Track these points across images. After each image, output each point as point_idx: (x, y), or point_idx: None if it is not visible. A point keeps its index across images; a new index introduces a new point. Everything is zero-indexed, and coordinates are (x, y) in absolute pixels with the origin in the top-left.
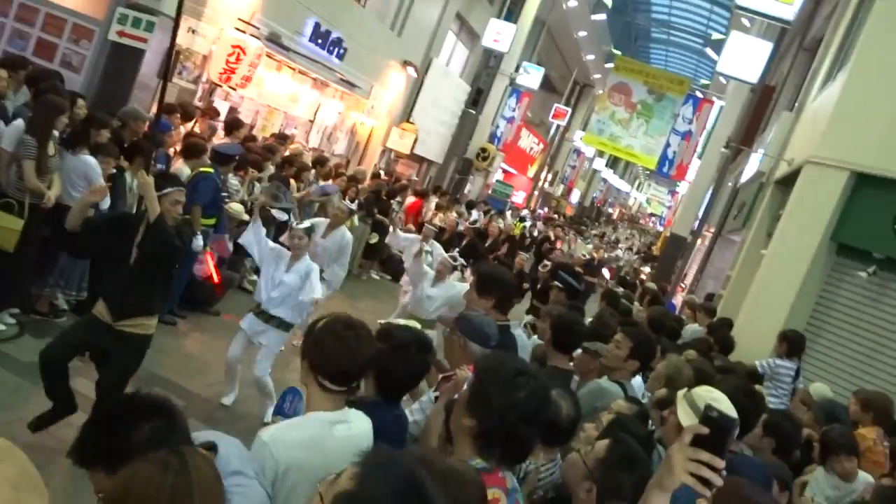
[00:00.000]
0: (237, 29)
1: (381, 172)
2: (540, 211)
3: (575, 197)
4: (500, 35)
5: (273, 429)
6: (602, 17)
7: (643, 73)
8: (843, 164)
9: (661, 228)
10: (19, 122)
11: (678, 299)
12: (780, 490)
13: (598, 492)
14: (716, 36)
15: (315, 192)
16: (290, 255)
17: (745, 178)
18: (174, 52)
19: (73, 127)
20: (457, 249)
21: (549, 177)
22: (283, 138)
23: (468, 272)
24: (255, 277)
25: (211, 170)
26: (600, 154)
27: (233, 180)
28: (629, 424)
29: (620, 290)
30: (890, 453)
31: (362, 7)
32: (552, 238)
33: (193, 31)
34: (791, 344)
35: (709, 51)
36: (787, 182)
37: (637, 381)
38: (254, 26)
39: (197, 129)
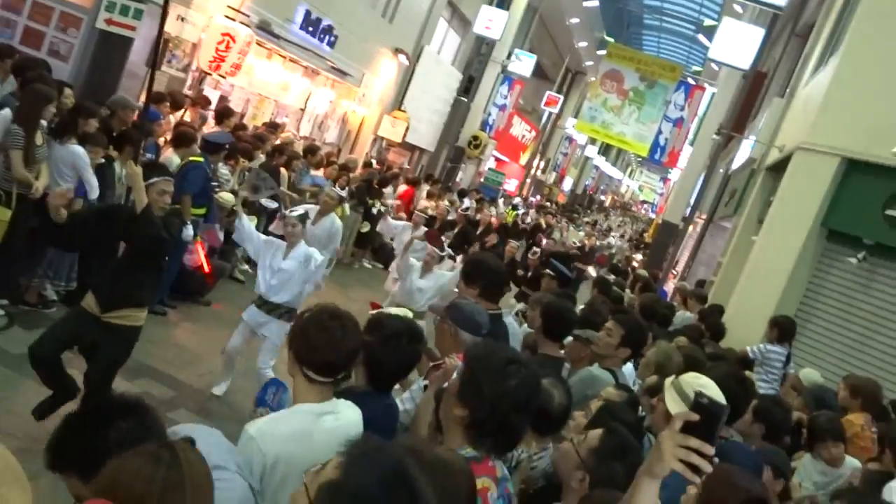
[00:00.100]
0: (226, 17)
1: (373, 161)
2: (532, 199)
3: (567, 184)
4: (491, 22)
5: (260, 422)
6: (594, 3)
7: (635, 60)
8: (834, 151)
9: (653, 215)
10: (6, 112)
11: (669, 286)
12: (773, 477)
13: (590, 481)
14: (708, 22)
15: (306, 184)
16: (285, 244)
17: (736, 164)
18: (163, 40)
19: (60, 116)
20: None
21: (542, 164)
22: (273, 127)
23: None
24: (246, 267)
25: (201, 159)
26: (592, 141)
27: (223, 169)
28: (618, 411)
29: (612, 277)
30: (878, 439)
31: None
32: (544, 226)
33: (182, 19)
34: (782, 329)
35: (701, 37)
36: (779, 168)
37: (628, 368)
38: (243, 14)
39: (187, 119)
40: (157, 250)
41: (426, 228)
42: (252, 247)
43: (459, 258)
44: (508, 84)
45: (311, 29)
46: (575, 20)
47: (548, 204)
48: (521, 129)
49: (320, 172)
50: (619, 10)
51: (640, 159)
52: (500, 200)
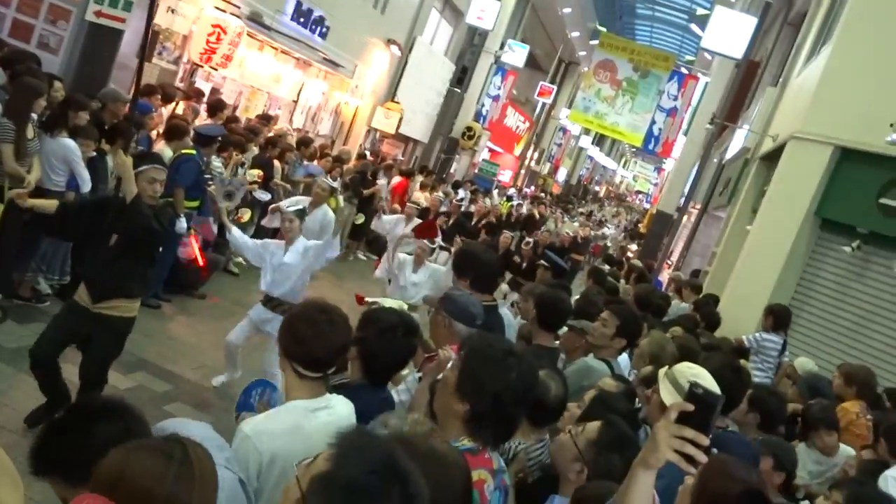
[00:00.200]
0: (217, 8)
1: (367, 152)
2: (527, 189)
3: (561, 175)
4: (484, 12)
5: (254, 421)
6: None
7: (628, 50)
8: (828, 140)
9: (647, 206)
10: None
11: (664, 276)
12: (774, 468)
13: (588, 473)
14: (700, 11)
15: (300, 174)
16: (282, 243)
17: (730, 154)
18: (151, 31)
19: (51, 110)
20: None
21: (536, 155)
22: (266, 119)
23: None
24: (240, 259)
25: (193, 151)
26: (586, 132)
27: (216, 162)
28: (611, 400)
29: (606, 267)
30: (872, 426)
31: None
32: (537, 216)
33: (173, 11)
34: (777, 318)
35: (693, 26)
36: (772, 158)
37: (623, 358)
38: (234, 5)
39: (179, 112)
40: (148, 241)
41: (419, 220)
42: (249, 254)
43: (454, 250)
44: (502, 74)
45: (302, 20)
46: (567, 10)
47: (542, 195)
48: (514, 119)
49: (314, 164)
50: (611, 0)
51: (634, 149)
52: (495, 191)
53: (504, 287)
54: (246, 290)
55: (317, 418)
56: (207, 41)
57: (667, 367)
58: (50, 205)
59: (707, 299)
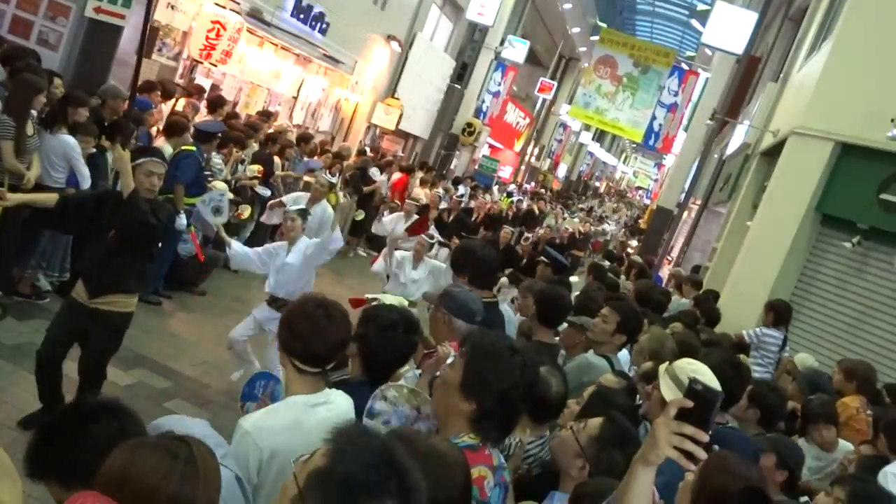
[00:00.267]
0: (216, 4)
1: (367, 149)
2: (527, 185)
3: (562, 171)
4: (484, 8)
5: (254, 417)
6: None
7: (629, 46)
8: (828, 135)
9: (647, 202)
10: None
11: (665, 272)
12: (777, 466)
13: (589, 469)
14: (701, 7)
15: (300, 170)
16: (284, 243)
17: (730, 149)
18: (150, 27)
19: (50, 106)
20: (432, 226)
21: (536, 151)
22: (266, 115)
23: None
24: None
25: (193, 148)
26: (587, 128)
27: (216, 159)
28: (610, 396)
29: (606, 263)
30: (872, 422)
31: None
32: (536, 212)
33: (173, 7)
34: (777, 313)
35: (694, 22)
36: (773, 153)
37: (623, 354)
38: (234, 1)
39: (179, 109)
40: (145, 236)
41: (417, 216)
42: (254, 265)
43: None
44: (502, 71)
45: (302, 16)
46: (568, 5)
47: (542, 191)
48: (515, 115)
49: (315, 159)
50: None
51: (634, 145)
52: (495, 188)
53: (503, 280)
54: (246, 287)
55: (316, 413)
56: (207, 37)
57: (667, 362)
58: (49, 199)
59: (707, 295)
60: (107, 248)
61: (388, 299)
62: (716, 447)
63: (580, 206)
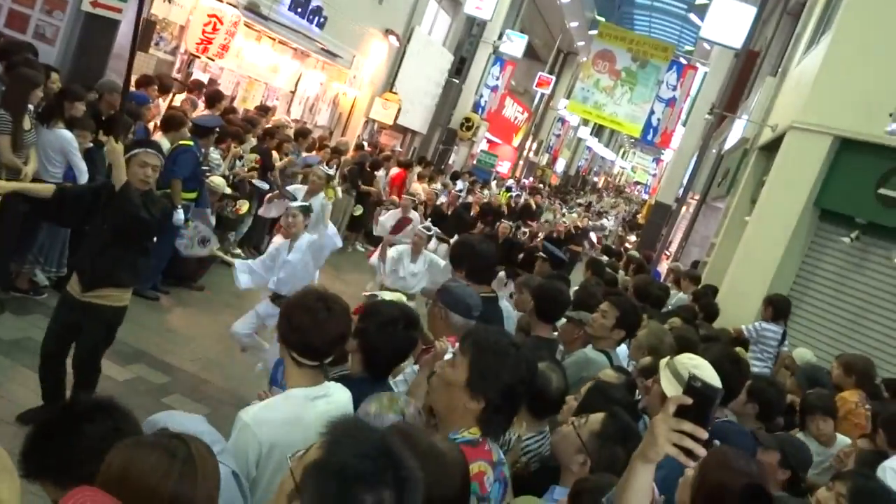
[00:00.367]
0: None
1: (365, 143)
2: (525, 180)
3: (560, 166)
4: (482, 2)
5: (254, 409)
6: None
7: (627, 40)
8: (827, 129)
9: (646, 196)
10: None
11: (663, 267)
12: (780, 465)
13: (591, 465)
14: (699, 1)
15: (298, 164)
16: (286, 242)
17: (729, 144)
18: (147, 21)
19: (47, 101)
20: (429, 219)
21: (534, 146)
22: (264, 110)
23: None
24: (238, 251)
25: (191, 143)
26: (585, 122)
27: (214, 154)
28: (608, 390)
29: (605, 258)
30: (871, 416)
31: None
32: (533, 206)
33: (169, 1)
34: (776, 308)
35: (692, 16)
36: (771, 148)
37: (622, 349)
38: None
39: (178, 104)
40: (138, 230)
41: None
42: (264, 280)
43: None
44: (500, 65)
45: (299, 10)
46: (566, 0)
47: (540, 186)
48: (513, 110)
49: (312, 154)
50: None
51: (632, 140)
52: (493, 182)
53: (501, 275)
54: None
55: (315, 407)
56: (203, 31)
57: (668, 357)
58: (45, 189)
59: (706, 290)
60: (100, 241)
61: (387, 295)
62: (716, 442)
63: (578, 201)
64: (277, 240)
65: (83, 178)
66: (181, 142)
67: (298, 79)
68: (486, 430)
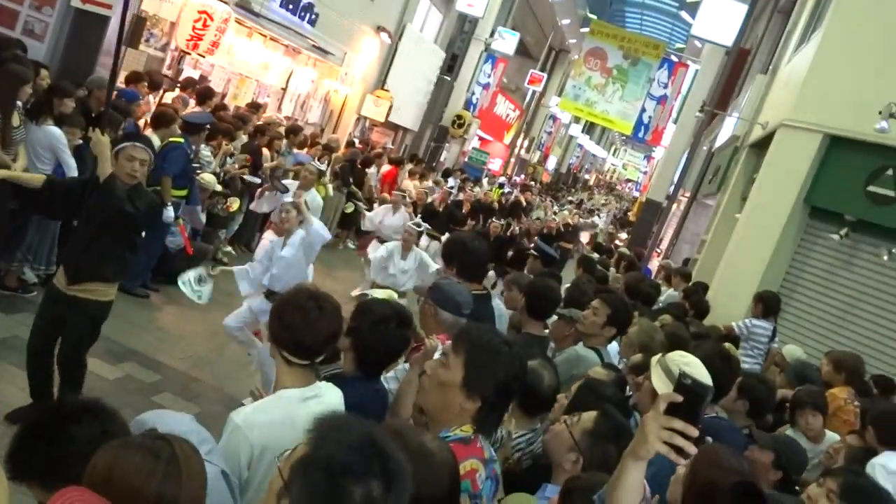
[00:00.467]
0: None
1: (356, 141)
2: (516, 178)
3: (551, 163)
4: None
5: (245, 411)
6: None
7: (619, 38)
8: (817, 127)
9: (637, 194)
10: None
11: (654, 264)
12: (773, 465)
13: (583, 463)
14: None
15: (290, 162)
16: (280, 240)
17: (720, 142)
18: (134, 17)
19: (36, 97)
20: (419, 216)
21: (526, 143)
22: (256, 107)
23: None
24: (229, 248)
25: (181, 140)
26: (576, 120)
27: (205, 151)
28: (599, 387)
29: (595, 255)
30: (860, 413)
31: None
32: (524, 203)
33: None
34: (766, 304)
35: (684, 14)
36: (762, 145)
37: (613, 346)
38: None
39: (169, 102)
40: (123, 223)
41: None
42: (268, 274)
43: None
44: (492, 62)
45: (291, 7)
46: None
47: (532, 183)
48: (504, 107)
49: (303, 152)
50: None
51: (624, 137)
52: (485, 180)
53: (490, 274)
54: (234, 280)
55: (307, 408)
56: (194, 28)
57: (660, 355)
58: (36, 179)
59: (696, 287)
60: (86, 234)
61: (378, 293)
62: (709, 439)
63: (569, 198)
64: (268, 236)
65: (72, 174)
66: (171, 139)
67: (290, 76)
68: (480, 427)
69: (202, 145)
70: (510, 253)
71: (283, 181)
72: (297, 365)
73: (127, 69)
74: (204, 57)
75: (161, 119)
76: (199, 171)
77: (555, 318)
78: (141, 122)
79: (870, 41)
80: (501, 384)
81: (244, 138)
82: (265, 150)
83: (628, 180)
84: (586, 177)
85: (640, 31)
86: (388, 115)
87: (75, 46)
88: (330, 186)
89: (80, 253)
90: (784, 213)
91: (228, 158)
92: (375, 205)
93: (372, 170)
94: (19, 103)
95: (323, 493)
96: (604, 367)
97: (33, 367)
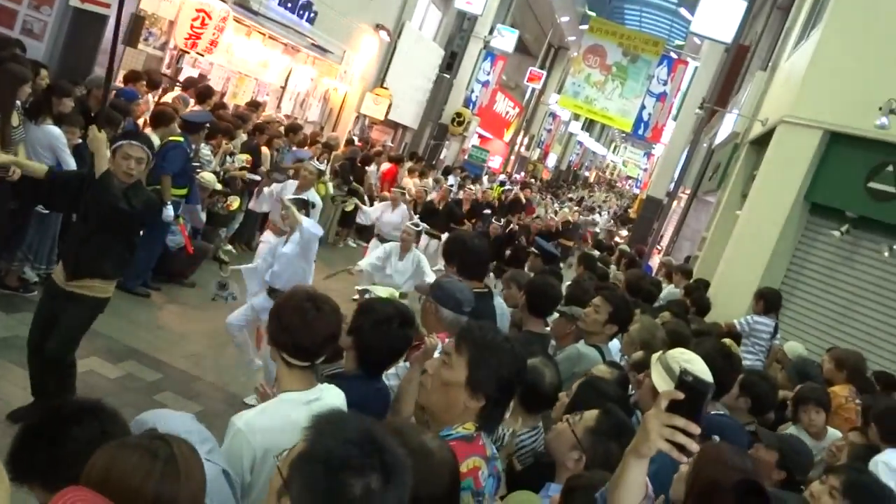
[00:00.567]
0: None
1: (356, 139)
2: (516, 175)
3: (551, 161)
4: None
5: (247, 415)
6: None
7: (618, 35)
8: (817, 124)
9: (637, 191)
10: None
11: (654, 262)
12: (776, 464)
13: (586, 461)
14: None
15: (289, 160)
16: (283, 238)
17: (720, 139)
18: (133, 15)
19: (35, 97)
20: (417, 216)
21: (526, 141)
22: (255, 106)
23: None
24: (229, 247)
25: (181, 139)
26: (576, 117)
27: (205, 150)
28: (600, 385)
29: (596, 253)
30: (862, 410)
31: None
32: (523, 200)
33: None
34: (767, 301)
35: (683, 10)
36: (762, 142)
37: (614, 344)
38: None
39: (169, 101)
40: (118, 220)
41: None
42: (269, 271)
43: (444, 236)
44: (491, 60)
45: (289, 5)
46: None
47: (532, 181)
48: (504, 105)
49: (305, 150)
50: None
51: (623, 135)
52: (485, 177)
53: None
54: (235, 278)
55: (309, 411)
56: (192, 26)
57: (659, 352)
58: (40, 168)
59: (697, 284)
60: (85, 231)
61: (379, 290)
62: (716, 438)
63: (570, 196)
64: (267, 236)
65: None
66: (171, 138)
67: (289, 74)
68: (483, 425)
69: (202, 144)
70: (507, 252)
71: (283, 182)
72: (298, 367)
73: (126, 68)
74: (203, 55)
75: (160, 118)
76: (199, 170)
77: (556, 315)
78: (140, 121)
79: (869, 37)
80: (505, 381)
81: (244, 137)
82: (264, 149)
83: (628, 177)
84: (586, 174)
85: (640, 28)
86: (387, 112)
87: (74, 46)
88: (330, 185)
89: (79, 249)
90: (784, 209)
91: (228, 157)
92: (376, 202)
93: (372, 168)
94: (18, 103)
95: (322, 487)
96: (607, 365)
97: (34, 364)
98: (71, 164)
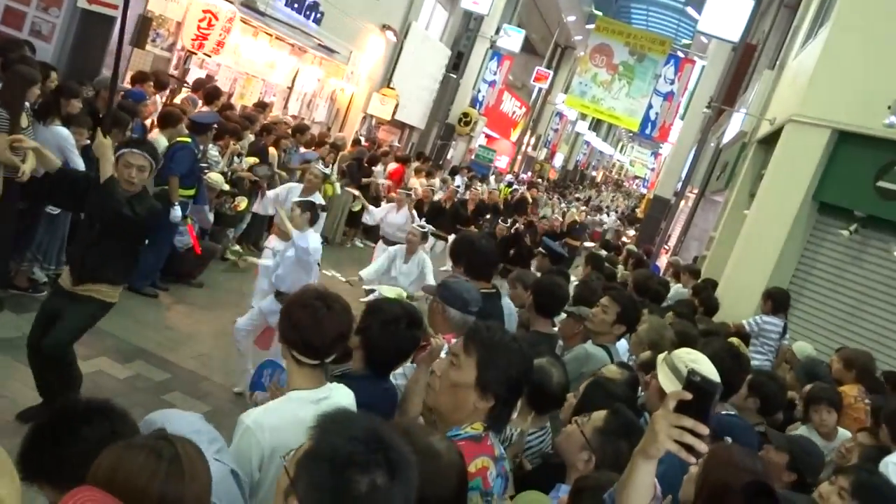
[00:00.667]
0: None
1: (362, 139)
2: (523, 175)
3: (558, 161)
4: None
5: (255, 413)
6: None
7: (624, 34)
8: (825, 123)
9: (644, 191)
10: None
11: (662, 261)
12: (786, 466)
13: (596, 461)
14: None
15: (295, 160)
16: (289, 243)
17: (727, 138)
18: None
19: (43, 98)
20: (423, 218)
21: (532, 141)
22: (262, 106)
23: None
24: (237, 248)
25: (188, 139)
26: (583, 117)
27: (212, 150)
28: (607, 385)
29: (603, 252)
30: (871, 411)
31: None
32: (529, 200)
33: None
34: (776, 301)
35: (690, 10)
36: (770, 141)
37: (622, 344)
38: None
39: (179, 103)
40: (122, 226)
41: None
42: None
43: (451, 237)
44: (497, 60)
45: (296, 5)
46: None
47: (539, 181)
48: (511, 105)
49: (311, 150)
50: None
51: (630, 134)
52: (492, 177)
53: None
54: (243, 279)
55: (318, 409)
56: (199, 27)
57: (666, 352)
58: (55, 161)
59: (705, 284)
60: (90, 236)
61: (385, 290)
62: (728, 439)
63: (577, 195)
64: (272, 240)
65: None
66: (179, 138)
67: (296, 75)
68: (492, 425)
69: (210, 145)
70: (512, 251)
71: (289, 184)
72: (308, 365)
73: (133, 69)
74: (210, 56)
75: (168, 119)
76: (206, 171)
77: (563, 315)
78: (148, 122)
79: (878, 35)
80: (514, 381)
81: (251, 138)
82: (272, 150)
83: (636, 177)
84: (593, 174)
85: (646, 28)
86: (394, 113)
87: (82, 47)
88: (338, 185)
89: (85, 253)
90: (793, 209)
91: (236, 158)
92: (383, 203)
93: (378, 168)
94: (27, 104)
95: (329, 485)
96: (617, 366)
97: (33, 363)
98: (79, 164)
